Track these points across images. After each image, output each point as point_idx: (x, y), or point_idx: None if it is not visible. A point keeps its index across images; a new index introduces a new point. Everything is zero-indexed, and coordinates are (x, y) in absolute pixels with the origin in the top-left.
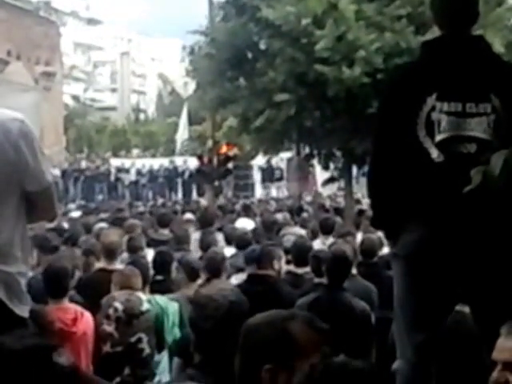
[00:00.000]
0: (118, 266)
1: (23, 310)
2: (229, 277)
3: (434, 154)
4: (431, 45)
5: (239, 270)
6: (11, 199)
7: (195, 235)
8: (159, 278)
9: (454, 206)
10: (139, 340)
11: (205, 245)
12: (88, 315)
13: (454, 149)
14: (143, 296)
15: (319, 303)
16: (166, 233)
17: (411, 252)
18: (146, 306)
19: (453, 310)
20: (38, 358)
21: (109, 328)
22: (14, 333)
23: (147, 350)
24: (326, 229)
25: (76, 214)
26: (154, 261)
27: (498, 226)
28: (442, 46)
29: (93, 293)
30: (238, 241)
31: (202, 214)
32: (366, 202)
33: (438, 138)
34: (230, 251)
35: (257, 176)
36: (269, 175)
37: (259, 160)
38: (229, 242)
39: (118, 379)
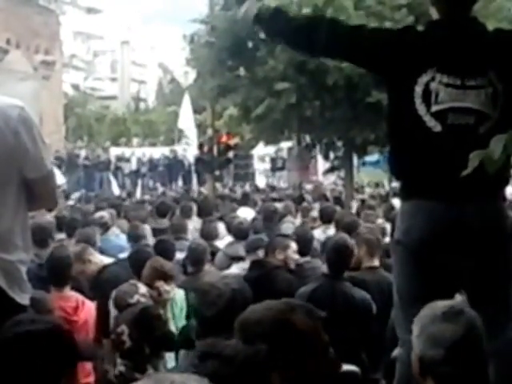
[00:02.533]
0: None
1: (23, 298)
2: (228, 266)
3: (431, 123)
4: (433, 24)
5: (235, 258)
6: (11, 187)
7: (196, 224)
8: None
9: (457, 183)
10: (122, 332)
11: (205, 234)
12: (89, 304)
13: (453, 120)
14: (142, 288)
15: (319, 293)
16: (164, 221)
17: (414, 239)
18: (136, 298)
19: (452, 298)
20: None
21: (112, 315)
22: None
23: (127, 344)
24: (327, 218)
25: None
26: (155, 249)
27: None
28: (443, 26)
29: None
30: (235, 230)
31: (201, 202)
32: (367, 192)
33: (435, 108)
34: (230, 240)
35: (258, 165)
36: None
37: (260, 149)
38: (230, 230)
39: (115, 370)
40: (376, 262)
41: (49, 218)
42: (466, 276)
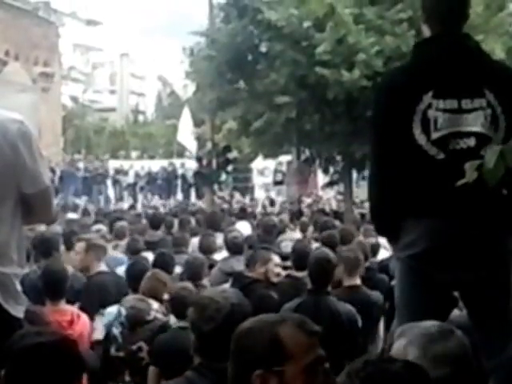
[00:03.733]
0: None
1: (18, 311)
2: (223, 282)
3: (433, 151)
4: (423, 45)
5: (230, 274)
6: (8, 201)
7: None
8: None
9: (461, 202)
10: (140, 349)
11: (204, 247)
12: (85, 317)
13: (454, 145)
14: (155, 304)
15: (303, 308)
16: (158, 234)
17: (413, 255)
18: (153, 315)
19: (450, 312)
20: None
21: (115, 331)
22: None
23: (146, 360)
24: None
25: (73, 215)
26: (155, 262)
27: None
28: (434, 45)
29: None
30: (230, 245)
31: (209, 216)
32: (366, 206)
33: (435, 135)
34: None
35: (257, 179)
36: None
37: (259, 163)
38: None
39: None
40: (357, 281)
41: (58, 228)
42: (467, 291)
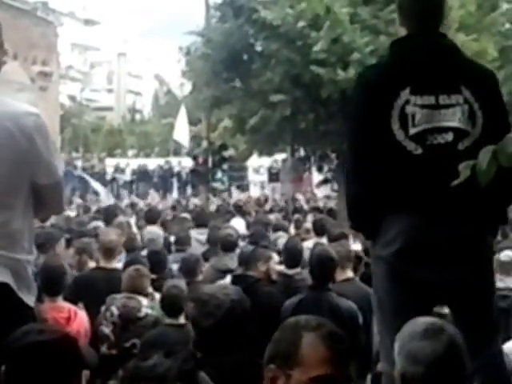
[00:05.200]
0: (116, 264)
1: (30, 300)
2: (216, 279)
3: (411, 146)
4: (400, 43)
5: (224, 271)
6: (22, 192)
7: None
8: (153, 276)
9: (440, 197)
10: (133, 346)
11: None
12: (82, 314)
13: (432, 140)
14: (144, 301)
15: (305, 304)
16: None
17: (393, 252)
18: (144, 312)
19: (432, 311)
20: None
21: (106, 330)
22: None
23: None
24: (319, 230)
25: (71, 212)
26: (148, 259)
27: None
28: (411, 43)
29: (88, 291)
30: (223, 243)
31: (197, 213)
32: None
33: (413, 130)
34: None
35: (252, 177)
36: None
37: (254, 161)
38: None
39: (112, 382)
40: (349, 274)
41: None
42: (447, 289)
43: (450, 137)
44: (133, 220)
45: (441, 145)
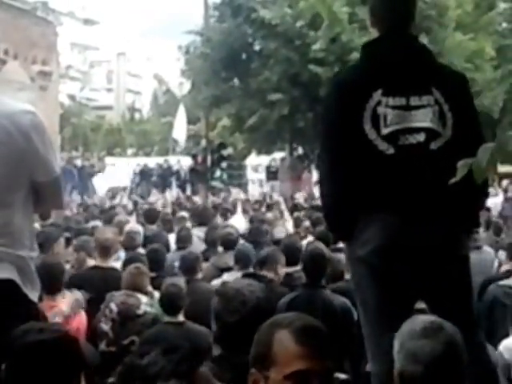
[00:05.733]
0: (113, 263)
1: (34, 295)
2: (216, 277)
3: (383, 146)
4: (372, 45)
5: (224, 269)
6: (21, 190)
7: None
8: (152, 274)
9: (413, 196)
10: (132, 343)
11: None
12: (81, 312)
13: (404, 141)
14: (143, 298)
15: (298, 301)
16: (153, 228)
17: (371, 251)
18: (143, 309)
19: (413, 308)
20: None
21: (105, 327)
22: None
23: None
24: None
25: (70, 211)
26: (147, 257)
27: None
28: (382, 45)
29: (86, 290)
30: (224, 241)
31: (198, 212)
32: None
33: (385, 131)
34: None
35: (251, 175)
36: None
37: (253, 159)
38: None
39: (111, 379)
40: None
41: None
42: (424, 287)
43: (421, 137)
44: (134, 218)
45: (413, 145)
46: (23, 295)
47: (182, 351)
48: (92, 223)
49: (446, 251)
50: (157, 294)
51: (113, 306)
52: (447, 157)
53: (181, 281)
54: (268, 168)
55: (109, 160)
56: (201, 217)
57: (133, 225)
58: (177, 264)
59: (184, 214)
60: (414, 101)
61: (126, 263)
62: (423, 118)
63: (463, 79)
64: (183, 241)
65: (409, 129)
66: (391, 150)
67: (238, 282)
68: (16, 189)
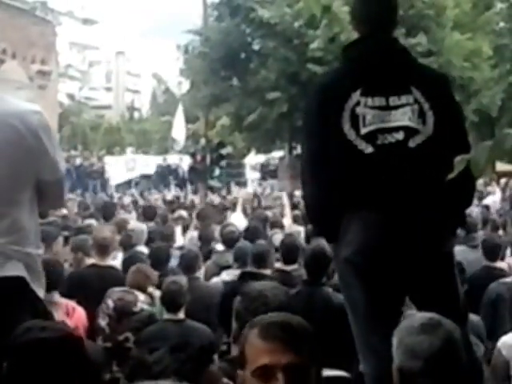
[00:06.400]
0: (111, 262)
1: (41, 292)
2: (218, 274)
3: (362, 145)
4: (352, 46)
5: (225, 267)
6: (29, 188)
7: (192, 232)
8: (155, 272)
9: (394, 194)
10: (126, 339)
11: (204, 240)
12: (80, 310)
13: (382, 140)
14: (141, 296)
15: (298, 298)
16: (151, 225)
17: (355, 251)
18: (139, 307)
19: (402, 307)
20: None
21: (102, 322)
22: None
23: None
24: None
25: (70, 210)
26: (150, 256)
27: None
28: (362, 46)
29: (83, 288)
30: (226, 239)
31: (200, 211)
32: None
33: (364, 130)
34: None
35: (250, 174)
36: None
37: (252, 158)
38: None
39: (108, 375)
40: None
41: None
42: (410, 284)
43: (400, 135)
44: (134, 216)
45: (391, 144)
46: (31, 292)
47: (190, 350)
48: (87, 222)
49: (429, 249)
50: (157, 293)
51: (109, 301)
52: (428, 154)
53: (183, 278)
54: (262, 167)
55: (108, 159)
56: (202, 216)
57: (136, 223)
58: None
59: (183, 212)
60: (394, 101)
61: (125, 261)
62: (402, 117)
63: (444, 79)
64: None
65: (388, 128)
66: (370, 149)
67: (263, 284)
68: (25, 187)
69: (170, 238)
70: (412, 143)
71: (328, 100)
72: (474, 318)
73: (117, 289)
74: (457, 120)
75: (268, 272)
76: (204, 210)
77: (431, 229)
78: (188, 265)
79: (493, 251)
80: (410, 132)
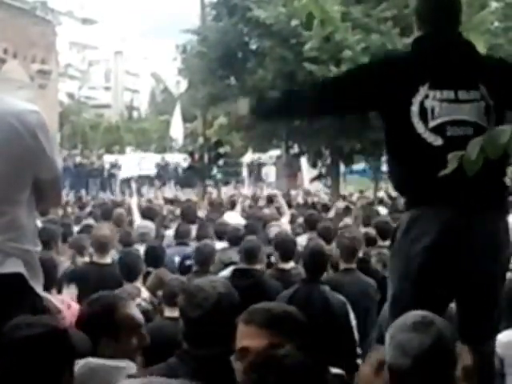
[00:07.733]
0: (109, 259)
1: (39, 288)
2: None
3: (431, 138)
4: (421, 40)
5: (227, 264)
6: (27, 186)
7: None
8: (150, 269)
9: (464, 188)
10: None
11: (200, 238)
12: (75, 306)
13: (452, 132)
14: (145, 293)
15: (297, 296)
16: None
17: (422, 248)
18: (137, 301)
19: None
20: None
21: None
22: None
23: None
24: (312, 225)
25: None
26: (146, 254)
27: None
28: (431, 41)
29: (82, 286)
30: (231, 236)
31: (184, 208)
32: (353, 199)
33: (433, 123)
34: (220, 245)
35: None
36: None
37: (249, 157)
38: (218, 236)
39: None
40: (352, 265)
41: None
42: (463, 283)
43: (469, 131)
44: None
45: (461, 137)
46: (30, 288)
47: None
48: (85, 222)
49: (495, 248)
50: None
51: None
52: None
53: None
54: (250, 165)
55: (107, 158)
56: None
57: (143, 222)
58: (177, 259)
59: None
60: (463, 95)
61: (121, 258)
62: (471, 113)
63: (503, 62)
64: (181, 236)
65: (457, 121)
66: (439, 141)
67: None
68: (23, 186)
69: (186, 235)
70: None
71: (396, 92)
72: None
73: (129, 285)
74: None
75: (259, 267)
76: (186, 208)
77: (498, 226)
78: (203, 258)
79: None
80: (478, 129)
